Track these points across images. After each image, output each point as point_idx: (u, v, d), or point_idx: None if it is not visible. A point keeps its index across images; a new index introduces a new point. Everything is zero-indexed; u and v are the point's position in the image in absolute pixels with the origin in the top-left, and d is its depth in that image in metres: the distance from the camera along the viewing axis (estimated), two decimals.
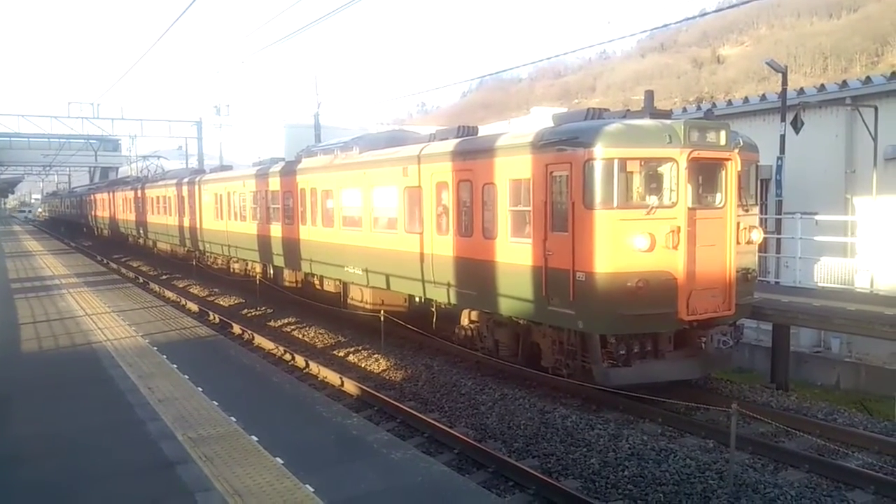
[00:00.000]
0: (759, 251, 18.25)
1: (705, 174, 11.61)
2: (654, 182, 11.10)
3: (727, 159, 11.31)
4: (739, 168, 11.42)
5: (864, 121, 15.64)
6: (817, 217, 15.58)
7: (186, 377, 8.79)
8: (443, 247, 14.21)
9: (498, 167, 12.69)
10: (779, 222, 16.99)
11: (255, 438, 6.40)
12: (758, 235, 12.05)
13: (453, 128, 15.87)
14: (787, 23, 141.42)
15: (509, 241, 12.46)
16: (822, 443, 10.24)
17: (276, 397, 8.45)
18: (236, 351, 11.59)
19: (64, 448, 6.45)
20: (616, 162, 10.73)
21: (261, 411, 7.57)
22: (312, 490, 5.24)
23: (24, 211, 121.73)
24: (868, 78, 17.25)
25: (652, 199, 11.02)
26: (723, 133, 11.24)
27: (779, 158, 16.64)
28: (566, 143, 11.29)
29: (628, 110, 12.50)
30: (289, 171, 20.91)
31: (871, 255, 15.54)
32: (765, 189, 18.19)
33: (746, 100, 20.13)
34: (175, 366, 9.39)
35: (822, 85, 18.21)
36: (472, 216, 13.39)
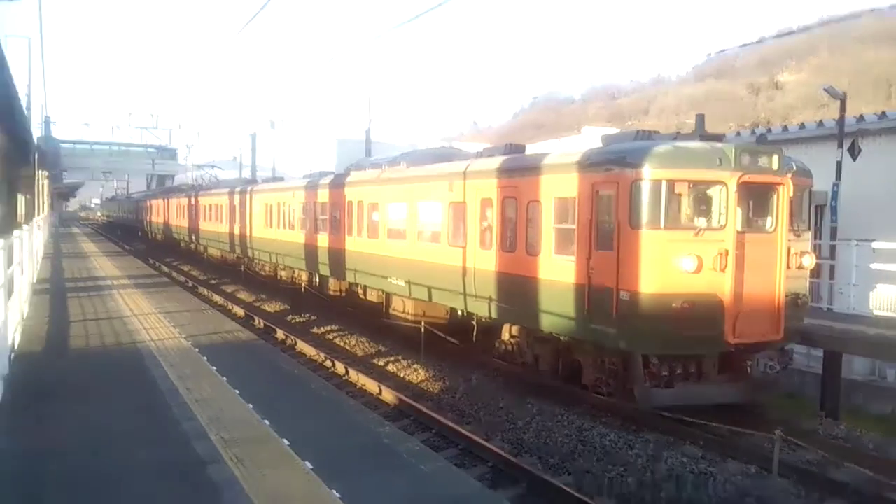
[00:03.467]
0: (814, 277, 18.04)
1: (756, 198, 11.49)
2: (702, 204, 11.03)
3: (779, 184, 11.16)
4: (791, 193, 11.25)
5: None
6: (874, 244, 15.21)
7: (224, 379, 8.96)
8: (485, 261, 14.28)
9: (544, 185, 12.74)
10: (833, 248, 16.63)
11: (286, 442, 6.50)
12: (809, 261, 11.83)
13: (500, 146, 16.01)
14: (848, 50, 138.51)
15: (552, 257, 12.47)
16: (871, 475, 9.98)
17: (311, 403, 8.55)
18: (276, 356, 11.76)
19: (98, 445, 6.65)
20: (664, 183, 10.69)
21: (294, 416, 7.67)
22: (339, 496, 5.31)
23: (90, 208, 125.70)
24: None
25: (700, 221, 10.93)
26: (775, 157, 11.11)
27: (834, 185, 16.32)
28: (614, 162, 11.29)
29: (678, 133, 12.46)
30: (338, 183, 21.26)
31: None
32: (820, 215, 17.84)
33: (803, 126, 19.83)
34: (214, 368, 9.57)
35: (884, 112, 17.85)
36: (515, 232, 13.45)
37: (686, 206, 11.00)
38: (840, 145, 15.96)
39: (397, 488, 5.69)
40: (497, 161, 14.48)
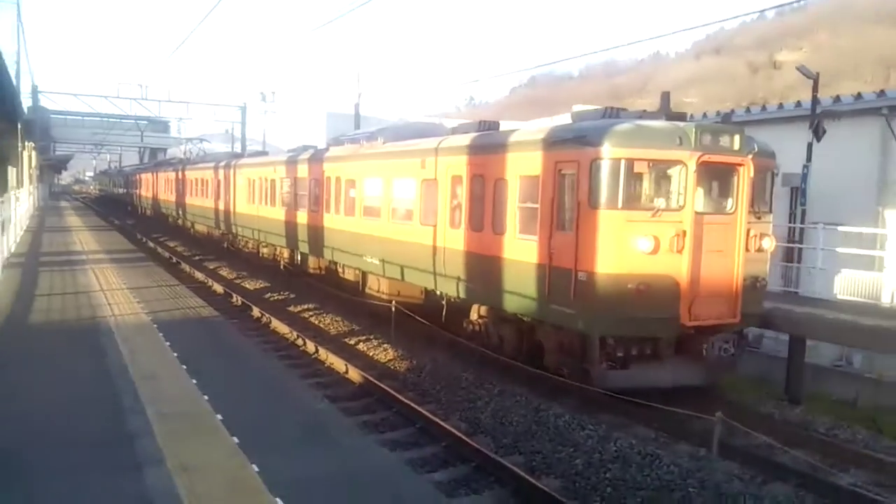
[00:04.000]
0: (786, 261, 18.01)
1: (717, 179, 11.44)
2: (662, 184, 10.97)
3: (740, 164, 11.10)
4: (752, 174, 11.19)
5: (892, 131, 15.15)
6: (841, 228, 15.17)
7: (175, 355, 9.00)
8: (454, 240, 14.24)
9: (510, 163, 12.67)
10: (801, 232, 16.58)
11: (219, 417, 6.55)
12: (769, 243, 11.79)
13: (474, 123, 15.89)
14: (849, 30, 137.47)
15: (517, 237, 12.44)
16: (817, 458, 10.04)
17: (257, 380, 8.59)
18: (234, 333, 11.80)
19: (31, 416, 6.68)
20: (623, 162, 10.62)
21: (236, 392, 7.72)
22: (257, 470, 5.35)
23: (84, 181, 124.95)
24: None
25: (659, 202, 10.88)
26: (736, 138, 11.04)
27: (804, 167, 16.24)
28: (575, 141, 11.23)
29: (644, 111, 12.34)
30: (317, 158, 21.15)
31: (889, 270, 15.08)
32: (795, 198, 17.78)
33: (781, 106, 19.67)
34: (168, 343, 9.61)
35: (860, 93, 17.70)
36: (483, 211, 13.39)
37: (646, 186, 10.94)
38: (811, 127, 15.86)
39: (317, 463, 5.74)
40: (467, 138, 14.38)
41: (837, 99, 17.86)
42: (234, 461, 5.52)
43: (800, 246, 16.63)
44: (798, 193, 17.82)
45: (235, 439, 5.99)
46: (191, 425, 6.36)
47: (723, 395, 12.66)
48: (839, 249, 14.95)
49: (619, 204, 10.62)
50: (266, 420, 6.81)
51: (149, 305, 12.37)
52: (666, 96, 11.98)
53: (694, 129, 10.71)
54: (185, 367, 8.37)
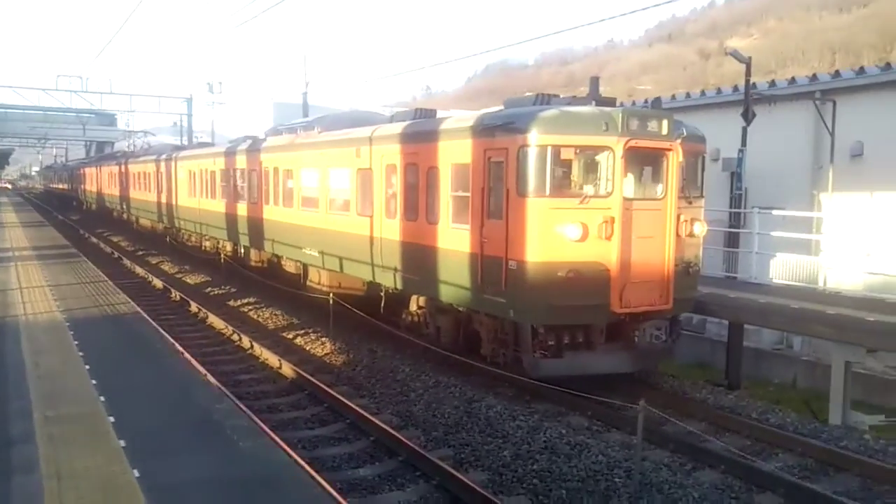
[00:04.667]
0: (728, 246, 18.12)
1: (646, 164, 11.36)
2: (589, 171, 10.85)
3: (668, 149, 11.02)
4: (682, 159, 11.13)
5: (821, 116, 15.30)
6: (775, 212, 15.28)
7: (81, 354, 8.63)
8: (391, 231, 13.99)
9: (442, 151, 12.46)
10: (737, 216, 16.69)
11: (111, 419, 6.25)
12: (700, 228, 11.77)
13: (410, 111, 15.63)
14: (796, 16, 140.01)
15: (450, 226, 12.24)
16: (747, 443, 10.07)
17: (160, 380, 8.25)
18: (150, 331, 11.35)
19: None
20: (550, 149, 10.48)
21: (135, 393, 7.39)
22: (137, 475, 5.08)
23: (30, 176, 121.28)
24: (838, 72, 16.92)
25: (587, 189, 10.76)
26: (665, 122, 10.96)
27: (739, 151, 16.32)
28: (503, 128, 11.05)
29: (574, 97, 12.21)
30: (255, 149, 20.69)
31: (825, 253, 15.27)
32: (734, 182, 17.88)
33: (719, 91, 19.76)
34: (76, 343, 9.22)
35: (793, 78, 17.86)
36: (417, 200, 13.16)
37: (574, 172, 10.81)
38: (745, 112, 15.92)
39: (203, 466, 5.48)
40: (400, 126, 14.13)
41: (773, 84, 18.00)
42: (114, 467, 5.24)
43: (737, 231, 16.72)
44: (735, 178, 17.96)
45: (122, 443, 5.70)
46: (77, 429, 6.05)
47: (659, 382, 12.68)
48: (774, 233, 15.07)
49: (547, 191, 10.47)
50: (161, 422, 6.51)
51: (66, 303, 11.90)
52: (595, 81, 11.85)
53: (621, 115, 10.59)
54: (88, 367, 8.00)
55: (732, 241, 17.76)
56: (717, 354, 16.30)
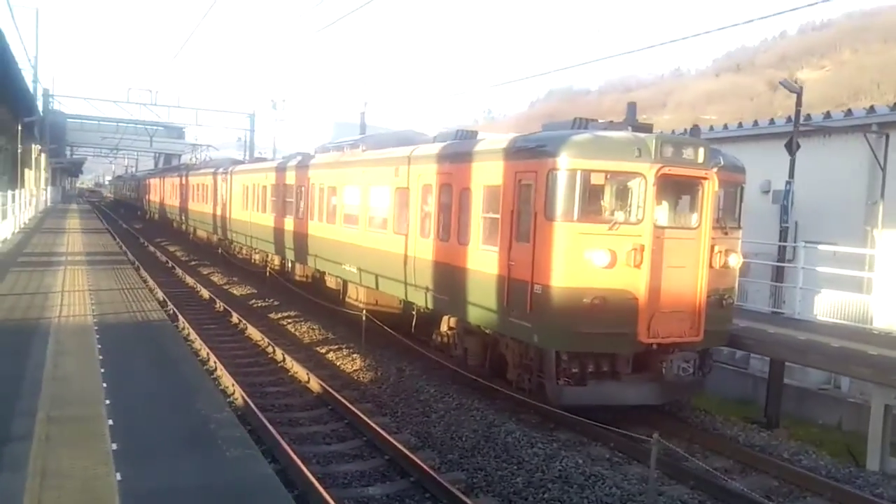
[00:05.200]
0: (775, 280, 17.55)
1: (680, 192, 11.13)
2: (621, 197, 10.68)
3: (703, 178, 10.76)
4: (717, 188, 10.86)
5: (872, 149, 14.72)
6: (822, 247, 14.75)
7: (100, 358, 8.83)
8: (424, 250, 14.02)
9: (475, 173, 12.45)
10: (782, 250, 16.15)
11: (110, 422, 6.36)
12: (736, 260, 11.43)
13: (452, 131, 15.68)
14: (872, 48, 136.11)
15: (480, 247, 12.19)
16: (774, 484, 9.67)
17: (170, 387, 8.34)
18: (174, 339, 11.52)
19: None
20: (579, 173, 10.35)
21: (142, 397, 7.52)
22: (119, 479, 5.14)
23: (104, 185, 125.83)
24: None
25: (618, 215, 10.58)
26: (701, 150, 10.71)
27: (787, 183, 15.84)
28: (534, 151, 10.99)
29: (611, 122, 12.06)
30: (303, 165, 21.05)
31: (876, 291, 14.62)
32: (781, 215, 17.34)
33: (772, 121, 19.25)
34: (100, 346, 9.44)
35: (849, 110, 17.27)
36: (450, 221, 13.16)
37: (604, 198, 10.65)
38: (790, 143, 15.43)
39: (187, 474, 5.51)
40: (437, 147, 14.19)
41: (828, 115, 17.46)
42: (99, 469, 5.32)
43: (782, 265, 16.18)
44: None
45: (115, 446, 5.79)
46: (75, 430, 6.18)
47: (689, 416, 12.32)
48: (819, 268, 14.52)
49: (575, 216, 10.33)
50: (157, 428, 6.59)
51: (100, 308, 12.24)
52: (632, 107, 11.69)
53: (654, 141, 10.40)
54: (103, 370, 8.18)
55: (780, 275, 17.22)
56: (759, 391, 15.72)
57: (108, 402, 7.01)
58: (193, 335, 15.56)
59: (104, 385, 7.61)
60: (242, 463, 5.82)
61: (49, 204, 53.22)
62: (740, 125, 20.44)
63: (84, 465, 5.38)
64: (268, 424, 10.11)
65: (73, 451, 5.65)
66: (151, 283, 21.71)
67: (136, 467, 5.40)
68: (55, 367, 8.20)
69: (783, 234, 16.85)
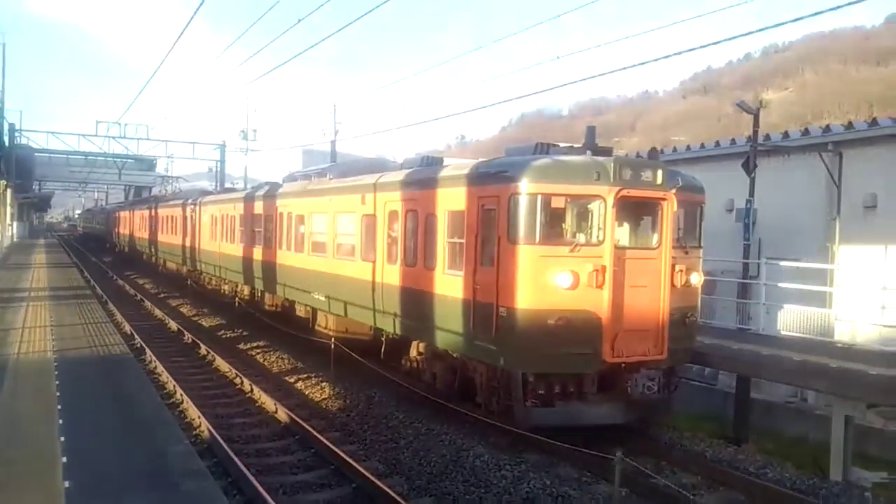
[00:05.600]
0: (741, 297, 17.81)
1: (640, 214, 11.30)
2: (581, 219, 10.82)
3: (662, 199, 10.94)
4: (676, 208, 11.04)
5: (826, 166, 15.09)
6: (783, 263, 15.02)
7: (57, 394, 8.71)
8: (391, 276, 14.05)
9: (440, 198, 12.55)
10: (745, 267, 16.42)
11: (64, 460, 6.27)
12: (697, 278, 11.60)
13: (418, 158, 15.79)
14: (833, 69, 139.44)
15: (445, 272, 12.26)
16: (741, 498, 9.76)
17: (127, 422, 8.24)
18: (135, 373, 11.37)
19: None
20: (540, 197, 10.49)
21: (98, 435, 7.42)
22: None
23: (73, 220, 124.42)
24: (850, 123, 16.73)
25: (579, 237, 10.71)
26: (659, 172, 10.91)
27: (747, 202, 16.15)
28: (496, 177, 11.13)
29: (571, 146, 12.25)
30: (271, 195, 21.05)
31: (837, 305, 14.91)
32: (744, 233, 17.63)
33: (733, 142, 19.61)
34: (57, 383, 9.32)
35: (806, 129, 17.69)
36: (416, 246, 13.23)
37: (566, 221, 10.78)
38: (746, 163, 15.76)
39: None
40: (403, 173, 14.29)
41: (786, 135, 17.85)
42: None
43: (746, 282, 16.43)
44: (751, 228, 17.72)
45: (66, 484, 5.72)
46: (27, 469, 6.08)
47: (658, 433, 12.38)
48: (781, 285, 14.77)
49: (537, 239, 10.45)
50: (113, 464, 6.51)
51: (62, 343, 12.10)
52: (591, 131, 11.87)
53: (613, 164, 10.58)
54: (60, 407, 8.08)
55: (746, 292, 17.47)
56: (728, 406, 15.86)
57: (62, 439, 6.92)
58: (160, 368, 15.40)
59: (60, 422, 7.51)
60: (197, 496, 5.77)
61: (15, 240, 52.48)
62: (702, 146, 20.83)
63: None
64: (233, 456, 10.02)
65: (23, 492, 5.57)
66: (119, 316, 21.49)
67: None
68: (10, 407, 8.08)
69: (746, 252, 17.11)
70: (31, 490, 5.65)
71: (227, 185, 47.23)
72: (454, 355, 12.57)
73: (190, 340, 19.94)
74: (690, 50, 13.42)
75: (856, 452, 11.13)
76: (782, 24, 12.78)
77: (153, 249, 39.18)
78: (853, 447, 10.73)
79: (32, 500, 5.43)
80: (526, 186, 10.49)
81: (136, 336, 18.80)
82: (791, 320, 15.57)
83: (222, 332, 21.93)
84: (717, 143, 19.69)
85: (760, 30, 9.87)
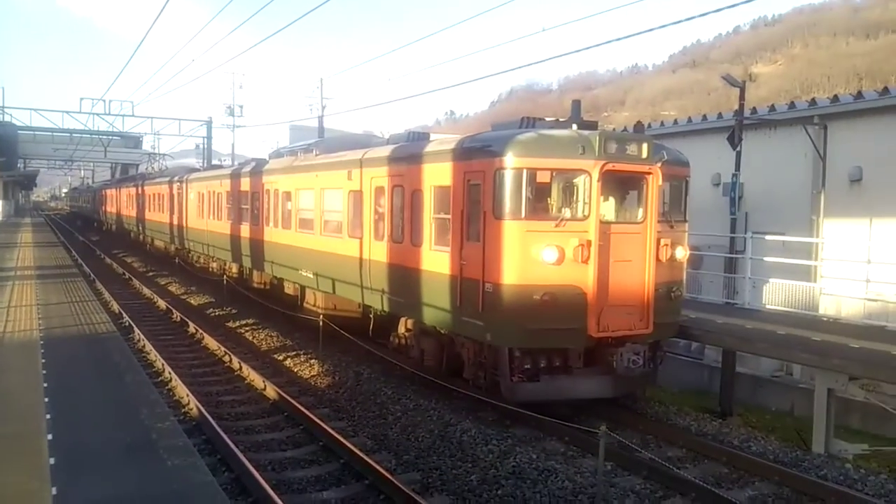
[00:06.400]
0: (728, 271, 17.90)
1: (625, 188, 11.29)
2: (567, 194, 10.79)
3: (647, 173, 10.93)
4: (661, 183, 11.04)
5: (812, 140, 15.10)
6: (768, 237, 15.08)
7: (43, 372, 8.69)
8: (379, 252, 14.02)
9: (426, 174, 12.49)
10: (732, 241, 16.47)
11: (49, 437, 6.28)
12: (682, 253, 11.63)
13: (404, 133, 15.70)
14: (822, 42, 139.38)
15: (432, 248, 12.24)
16: (724, 471, 9.87)
17: (114, 399, 8.23)
18: (121, 351, 11.32)
19: None
20: (525, 172, 10.45)
21: (84, 411, 7.43)
22: (55, 492, 5.10)
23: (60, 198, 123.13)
24: (836, 97, 16.73)
25: (564, 212, 10.70)
26: (644, 146, 10.88)
27: (733, 176, 16.16)
28: (481, 151, 11.08)
29: (557, 120, 12.20)
30: (257, 171, 20.91)
31: (823, 279, 15.01)
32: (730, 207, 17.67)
33: (720, 115, 19.58)
34: (43, 361, 9.30)
35: (793, 102, 17.68)
36: (402, 222, 13.19)
37: (551, 195, 10.76)
38: (731, 136, 15.75)
39: (124, 484, 5.48)
40: (388, 149, 14.20)
41: (772, 108, 17.82)
42: (34, 484, 5.27)
43: (733, 256, 16.50)
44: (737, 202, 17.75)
45: (52, 460, 5.73)
46: (12, 447, 6.09)
47: (644, 407, 12.50)
48: (766, 259, 14.83)
49: (523, 214, 10.43)
50: (98, 440, 6.52)
51: (48, 322, 12.04)
52: (576, 105, 11.83)
53: (598, 138, 10.54)
54: (46, 385, 8.06)
55: (732, 266, 17.55)
56: (714, 381, 16.01)
57: (48, 416, 6.92)
58: (149, 347, 15.38)
59: (46, 400, 7.50)
60: (183, 471, 5.79)
61: (0, 218, 52.06)
62: (689, 120, 20.79)
63: (18, 482, 5.32)
64: (222, 433, 10.05)
65: (8, 469, 5.58)
66: (107, 295, 21.40)
67: (73, 481, 5.36)
68: None
69: (733, 226, 17.16)
70: (17, 466, 5.66)
71: (215, 161, 46.93)
72: (441, 331, 12.59)
73: (178, 318, 19.90)
74: (677, 22, 13.32)
75: (838, 425, 11.25)
76: None
77: (140, 228, 38.97)
78: (835, 420, 10.84)
79: (18, 477, 5.44)
80: (511, 161, 10.45)
81: (125, 314, 18.74)
82: (777, 294, 15.68)
83: (211, 310, 21.89)
84: (704, 118, 19.65)
85: (748, 0, 9.69)
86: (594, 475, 9.30)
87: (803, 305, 15.58)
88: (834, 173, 16.21)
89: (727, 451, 10.37)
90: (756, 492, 9.22)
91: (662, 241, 11.13)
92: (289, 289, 19.44)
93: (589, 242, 10.43)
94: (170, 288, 26.63)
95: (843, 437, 11.18)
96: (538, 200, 10.67)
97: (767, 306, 14.72)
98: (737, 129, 15.47)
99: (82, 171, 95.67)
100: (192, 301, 23.74)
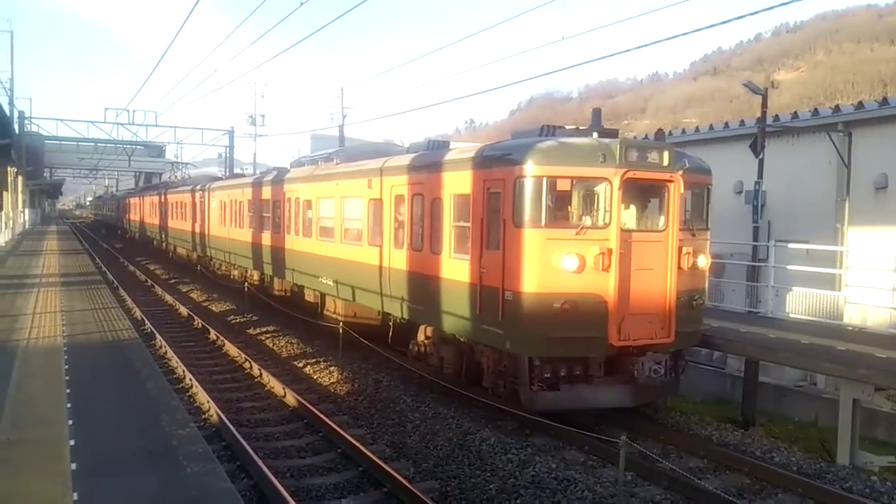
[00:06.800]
0: (751, 280, 17.73)
1: (646, 196, 11.23)
2: (587, 202, 10.75)
3: (669, 181, 10.86)
4: (683, 190, 10.96)
5: (836, 147, 14.93)
6: (791, 245, 14.91)
7: (67, 378, 8.79)
8: (398, 260, 14.05)
9: (446, 182, 12.51)
10: (755, 249, 16.30)
11: (72, 442, 6.34)
12: (704, 261, 11.53)
13: (425, 142, 15.74)
14: (845, 48, 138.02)
15: (452, 256, 12.23)
16: (746, 482, 9.75)
17: (135, 406, 8.28)
18: (144, 358, 11.41)
19: None
20: (545, 180, 10.43)
21: (106, 418, 7.49)
22: (76, 498, 5.15)
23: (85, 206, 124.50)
24: (860, 103, 16.55)
25: (585, 220, 10.66)
26: (665, 154, 10.81)
27: (756, 184, 16.01)
28: (501, 159, 11.07)
29: (578, 128, 12.16)
30: (278, 180, 21.06)
31: (847, 288, 14.81)
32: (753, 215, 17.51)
33: (742, 123, 19.45)
34: (66, 367, 9.40)
35: (816, 110, 17.50)
36: (422, 230, 13.21)
37: (571, 203, 10.73)
38: (754, 144, 15.62)
39: (144, 490, 5.53)
40: (408, 158, 14.26)
41: (795, 115, 17.67)
42: (55, 490, 5.32)
43: (755, 264, 16.34)
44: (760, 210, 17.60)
45: (74, 466, 5.79)
46: (35, 452, 6.15)
47: (664, 417, 12.39)
48: (790, 267, 14.67)
49: (543, 222, 10.40)
50: (120, 446, 6.57)
51: (71, 328, 12.18)
52: (597, 113, 11.79)
53: (618, 146, 10.50)
54: (69, 391, 8.15)
55: (755, 275, 17.39)
56: (736, 390, 15.83)
57: (70, 422, 6.99)
58: (170, 353, 15.50)
59: (68, 406, 7.58)
60: (202, 478, 5.82)
61: (27, 226, 52.82)
62: (711, 128, 20.66)
63: (40, 487, 5.37)
64: (241, 440, 10.09)
65: (30, 474, 5.64)
66: (129, 302, 21.61)
67: (94, 486, 5.40)
68: (19, 390, 8.16)
69: (756, 234, 17.00)
70: (40, 472, 5.72)
71: (237, 170, 47.36)
72: (461, 339, 12.57)
73: (200, 325, 20.04)
74: (698, 30, 13.24)
75: (863, 436, 11.09)
76: (792, 0, 12.42)
77: (163, 235, 39.36)
78: (861, 431, 10.67)
79: (40, 482, 5.50)
80: (531, 169, 10.43)
81: (147, 321, 18.92)
82: (800, 303, 15.50)
83: (232, 317, 22.03)
84: (726, 125, 19.51)
85: (770, 7, 9.60)
86: (614, 485, 9.23)
87: (827, 314, 15.40)
88: (858, 181, 16.02)
89: (749, 462, 10.24)
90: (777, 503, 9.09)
91: (684, 250, 11.05)
92: (309, 296, 19.53)
93: (610, 251, 10.37)
94: (191, 295, 26.85)
95: (868, 449, 11.01)
96: (558, 208, 10.64)
97: (791, 315, 14.55)
98: (759, 136, 15.34)
99: (107, 180, 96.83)
100: (213, 308, 23.91)
